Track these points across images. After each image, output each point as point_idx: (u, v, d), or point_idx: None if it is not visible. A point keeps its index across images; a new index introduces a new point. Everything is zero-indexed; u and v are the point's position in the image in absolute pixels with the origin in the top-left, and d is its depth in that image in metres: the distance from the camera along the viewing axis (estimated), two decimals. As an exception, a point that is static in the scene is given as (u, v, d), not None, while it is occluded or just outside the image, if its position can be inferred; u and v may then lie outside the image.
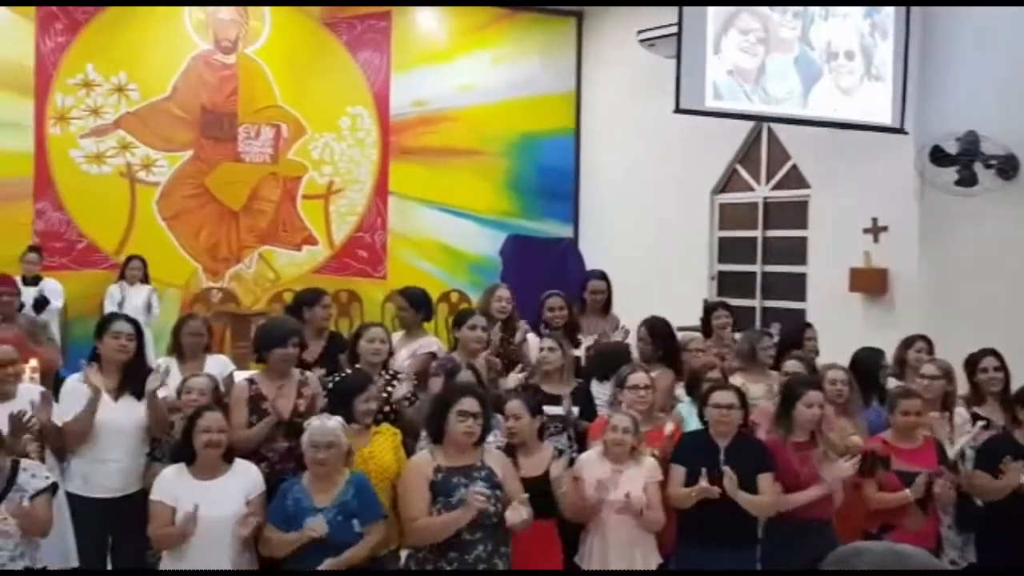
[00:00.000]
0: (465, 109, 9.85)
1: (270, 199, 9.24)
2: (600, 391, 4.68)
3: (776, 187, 8.34)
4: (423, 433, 4.01)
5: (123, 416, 4.10)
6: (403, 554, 4.11)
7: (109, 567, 4.21)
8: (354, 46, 9.50)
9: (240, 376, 4.51)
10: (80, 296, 8.13)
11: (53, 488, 3.65)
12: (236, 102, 9.06)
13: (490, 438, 3.86)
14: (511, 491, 3.66)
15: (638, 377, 4.31)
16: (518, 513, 3.53)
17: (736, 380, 4.72)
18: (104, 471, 4.06)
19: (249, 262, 9.18)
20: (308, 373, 4.34)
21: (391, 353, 4.63)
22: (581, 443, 4.38)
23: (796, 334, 5.60)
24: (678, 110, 6.52)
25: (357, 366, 4.43)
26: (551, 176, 10.14)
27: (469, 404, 3.64)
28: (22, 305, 5.83)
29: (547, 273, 7.21)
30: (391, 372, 4.54)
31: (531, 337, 5.08)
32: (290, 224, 9.33)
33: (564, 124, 10.24)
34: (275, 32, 9.18)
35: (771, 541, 4.10)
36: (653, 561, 3.97)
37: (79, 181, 8.56)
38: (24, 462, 3.67)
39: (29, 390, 4.09)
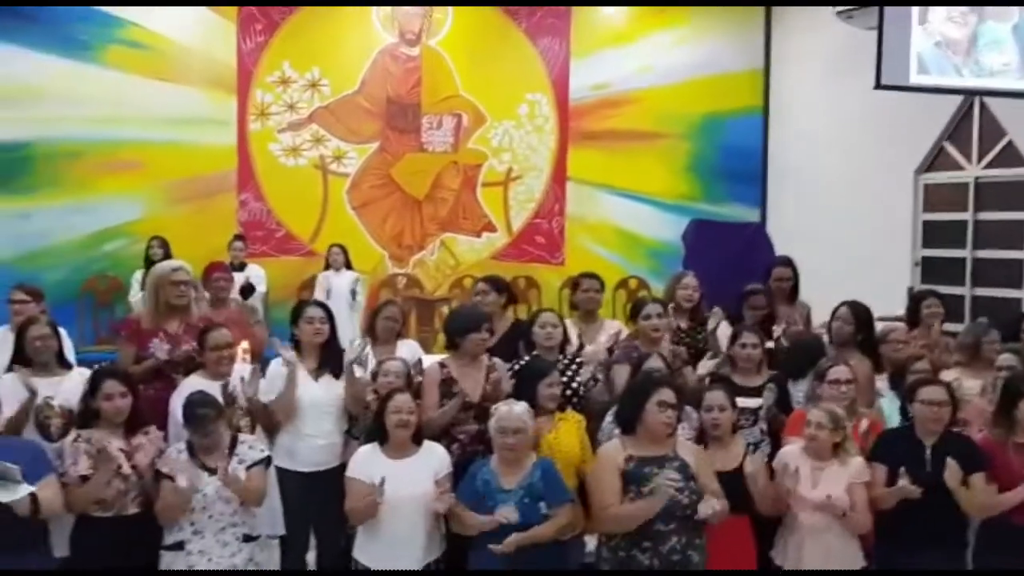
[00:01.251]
0: (645, 91, 9.79)
1: (451, 187, 9.59)
2: (795, 386, 4.55)
3: (989, 166, 7.74)
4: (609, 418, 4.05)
5: (322, 394, 4.42)
6: (588, 540, 4.21)
7: (312, 538, 4.55)
8: (533, 33, 9.65)
9: (430, 360, 4.74)
10: (279, 282, 8.77)
11: (267, 461, 4.01)
12: (419, 93, 9.46)
13: (679, 430, 3.85)
14: (705, 484, 3.64)
15: (839, 371, 4.15)
16: (710, 505, 3.52)
17: (950, 375, 4.46)
18: (307, 446, 4.39)
19: (431, 249, 9.58)
20: (496, 359, 4.49)
21: (566, 338, 4.71)
22: (774, 438, 4.28)
23: (1012, 325, 5.20)
24: (879, 86, 6.18)
25: (535, 352, 4.55)
26: (736, 157, 9.89)
27: (667, 395, 3.65)
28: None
29: (733, 259, 7.01)
30: (569, 356, 4.62)
31: (722, 325, 5.00)
32: (470, 211, 9.64)
33: (750, 103, 9.95)
34: (457, 22, 9.50)
35: (985, 545, 3.87)
36: (854, 561, 3.83)
37: (277, 173, 9.23)
38: (242, 435, 4.05)
39: (242, 369, 4.48)
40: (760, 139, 9.97)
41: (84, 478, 3.64)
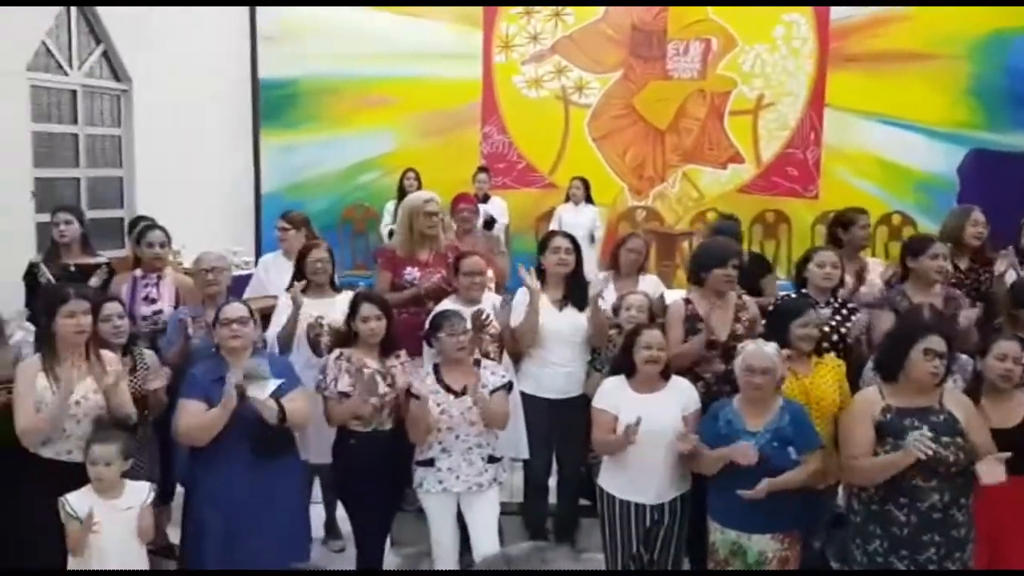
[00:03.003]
0: (919, 9, 8.86)
1: (696, 116, 9.28)
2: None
3: None
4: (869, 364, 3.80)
5: (566, 324, 4.49)
6: (840, 492, 4.02)
7: (554, 463, 4.69)
8: (792, -52, 9.02)
9: (675, 295, 4.66)
10: (519, 214, 8.98)
11: (508, 386, 4.15)
12: (665, 18, 9.17)
13: (949, 382, 3.54)
14: (977, 441, 3.34)
15: None
16: (992, 469, 3.22)
17: None
18: (550, 374, 4.50)
19: (673, 181, 9.37)
20: (746, 297, 4.33)
21: (842, 281, 4.44)
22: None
23: None
24: None
25: (803, 290, 4.33)
26: (1025, 81, 8.77)
27: (936, 343, 3.37)
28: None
29: (1020, 194, 6.29)
30: (840, 301, 4.36)
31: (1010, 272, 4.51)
32: (716, 142, 9.30)
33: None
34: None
35: None
36: None
37: (519, 105, 9.38)
38: (485, 361, 4.21)
39: (491, 297, 4.65)
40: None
41: (344, 394, 3.95)
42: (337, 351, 4.07)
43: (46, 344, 3.70)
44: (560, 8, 9.24)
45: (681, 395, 3.88)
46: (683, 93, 9.27)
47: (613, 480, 3.90)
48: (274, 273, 5.38)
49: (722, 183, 9.34)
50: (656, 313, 4.49)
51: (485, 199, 8.07)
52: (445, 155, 9.14)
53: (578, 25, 9.26)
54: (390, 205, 8.51)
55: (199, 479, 3.78)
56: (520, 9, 9.29)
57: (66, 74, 7.14)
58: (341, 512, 4.55)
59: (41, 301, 3.94)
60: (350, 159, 9.49)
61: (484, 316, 4.34)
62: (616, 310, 4.51)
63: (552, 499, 4.80)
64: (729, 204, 8.73)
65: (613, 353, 4.33)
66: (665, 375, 3.89)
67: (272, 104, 9.44)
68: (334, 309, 4.52)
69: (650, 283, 4.99)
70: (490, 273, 4.96)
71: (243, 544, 3.66)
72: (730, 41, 9.16)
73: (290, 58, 9.32)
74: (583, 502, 4.69)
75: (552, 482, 4.78)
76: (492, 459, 4.07)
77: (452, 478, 3.99)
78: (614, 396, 3.87)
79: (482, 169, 8.59)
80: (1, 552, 3.68)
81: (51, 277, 4.93)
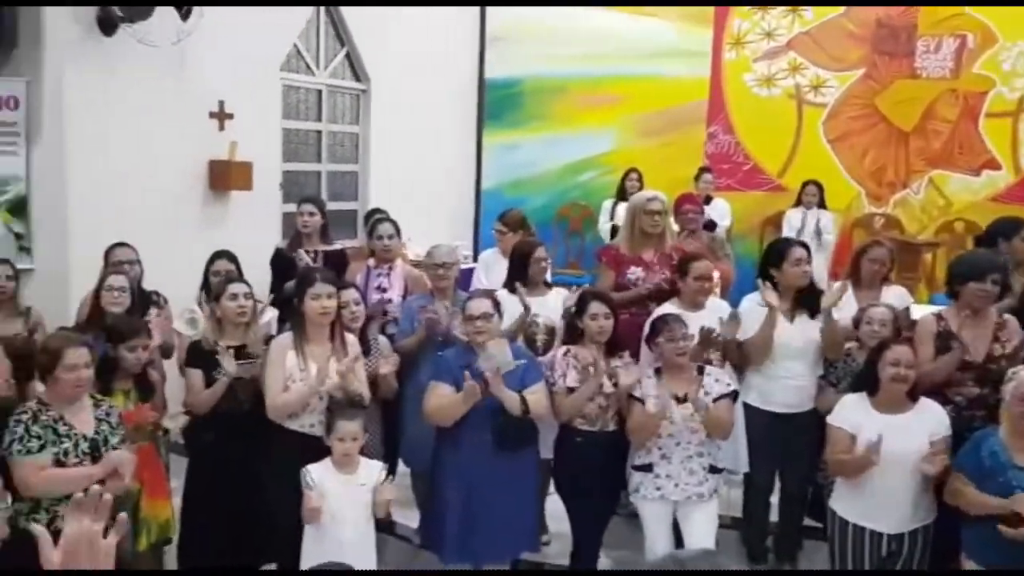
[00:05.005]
0: None
1: (946, 118, 8.62)
2: None
3: None
4: None
5: (798, 336, 4.33)
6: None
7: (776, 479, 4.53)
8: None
9: (922, 310, 4.37)
10: (743, 217, 8.74)
11: (734, 395, 4.05)
12: (916, 13, 8.58)
13: None
14: None
15: None
16: None
17: None
18: (779, 387, 4.35)
19: (917, 187, 8.76)
20: (1007, 316, 3.98)
21: None
22: None
23: None
24: None
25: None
26: None
27: None
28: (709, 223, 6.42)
29: None
30: None
31: None
32: (968, 146, 8.59)
33: None
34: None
35: None
36: None
37: (749, 104, 9.11)
38: (709, 368, 4.13)
39: (715, 303, 4.56)
40: None
41: (570, 390, 4.00)
42: (564, 348, 4.14)
43: (296, 324, 4.01)
44: (798, 4, 8.88)
45: (930, 418, 3.63)
46: (932, 93, 8.63)
47: (847, 504, 3.71)
48: (493, 270, 5.56)
49: (973, 190, 8.62)
50: (901, 327, 4.22)
51: (707, 200, 7.91)
52: (666, 155, 9.05)
53: (817, 21, 8.87)
54: (607, 204, 8.56)
55: (443, 459, 3.97)
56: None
57: (313, 74, 7.72)
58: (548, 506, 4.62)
59: (296, 283, 4.27)
60: (569, 158, 9.62)
61: (714, 335, 4.24)
62: (856, 323, 4.28)
63: (773, 517, 4.64)
64: (980, 214, 8.06)
65: (852, 368, 4.12)
66: (912, 395, 3.65)
67: (496, 103, 9.74)
68: (546, 306, 4.60)
69: (895, 295, 4.69)
70: (715, 276, 4.87)
71: (479, 527, 3.82)
72: (989, 37, 8.42)
73: (516, 58, 9.58)
74: (808, 523, 4.49)
75: (773, 499, 4.62)
76: (714, 469, 4.00)
77: (670, 485, 3.95)
78: (854, 414, 3.67)
79: (706, 169, 8.44)
80: (244, 512, 4.03)
81: (309, 260, 5.34)
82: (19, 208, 5.66)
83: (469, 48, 9.58)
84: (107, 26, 5.61)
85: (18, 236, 5.67)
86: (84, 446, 3.33)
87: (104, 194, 5.72)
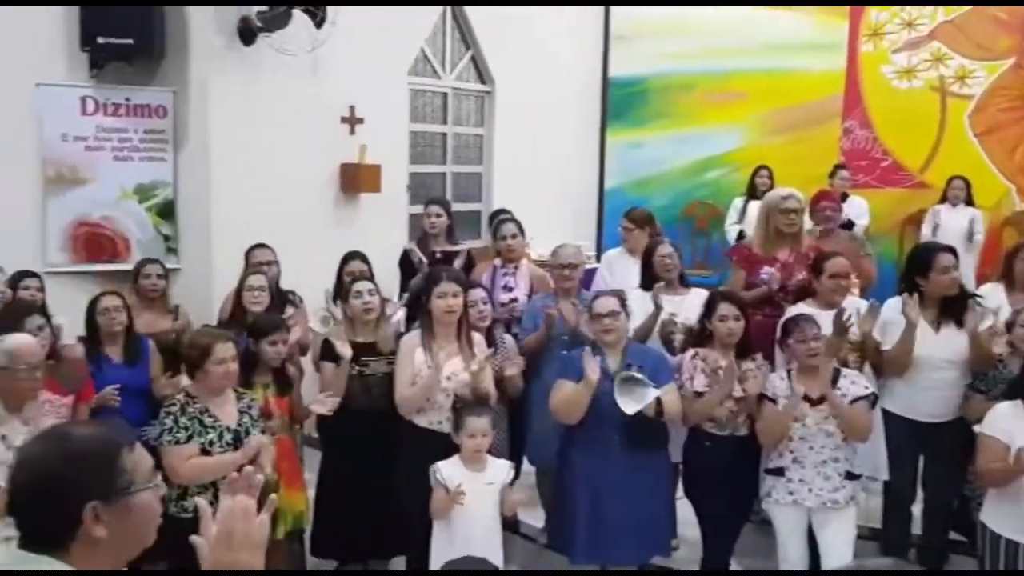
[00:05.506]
0: None
1: (1107, 108, 8.04)
2: None
3: None
4: None
5: (944, 347, 4.14)
6: None
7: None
8: None
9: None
10: (881, 215, 8.38)
11: (872, 399, 3.89)
12: (1075, -5, 8.04)
13: None
14: None
15: None
16: None
17: None
18: (924, 397, 4.16)
19: (1073, 183, 8.22)
20: None
21: None
22: None
23: None
24: None
25: None
26: None
27: None
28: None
29: None
30: None
31: None
32: None
33: None
34: None
35: None
36: None
37: (887, 97, 8.73)
38: (845, 370, 3.98)
39: (854, 302, 4.39)
40: None
41: (699, 393, 3.94)
42: (692, 350, 4.08)
43: (424, 322, 4.09)
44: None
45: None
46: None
47: (1001, 516, 3.50)
48: (618, 269, 5.53)
49: None
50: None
51: (843, 198, 7.63)
52: (798, 152, 8.77)
53: (962, 8, 8.41)
54: (737, 202, 8.38)
55: (571, 459, 3.96)
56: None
57: (439, 78, 7.87)
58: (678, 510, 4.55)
59: (422, 282, 4.37)
60: (695, 156, 9.45)
61: (846, 317, 4.09)
62: (1010, 326, 4.05)
63: (915, 529, 4.43)
64: None
65: (1004, 374, 3.90)
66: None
67: (620, 102, 9.67)
68: (684, 306, 4.54)
69: (1050, 297, 4.40)
70: (853, 277, 4.70)
71: (608, 528, 3.80)
72: None
73: (641, 56, 9.49)
74: (953, 536, 4.27)
75: (916, 510, 4.42)
76: (850, 475, 3.87)
77: (804, 491, 3.84)
78: (1008, 422, 3.46)
79: (841, 166, 8.15)
80: (375, 506, 4.14)
81: (422, 257, 5.46)
82: (167, 211, 6.01)
83: (592, 47, 9.56)
84: (247, 36, 5.88)
85: (166, 238, 6.02)
86: (227, 437, 3.51)
87: (244, 197, 6.00)
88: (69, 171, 5.74)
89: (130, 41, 5.56)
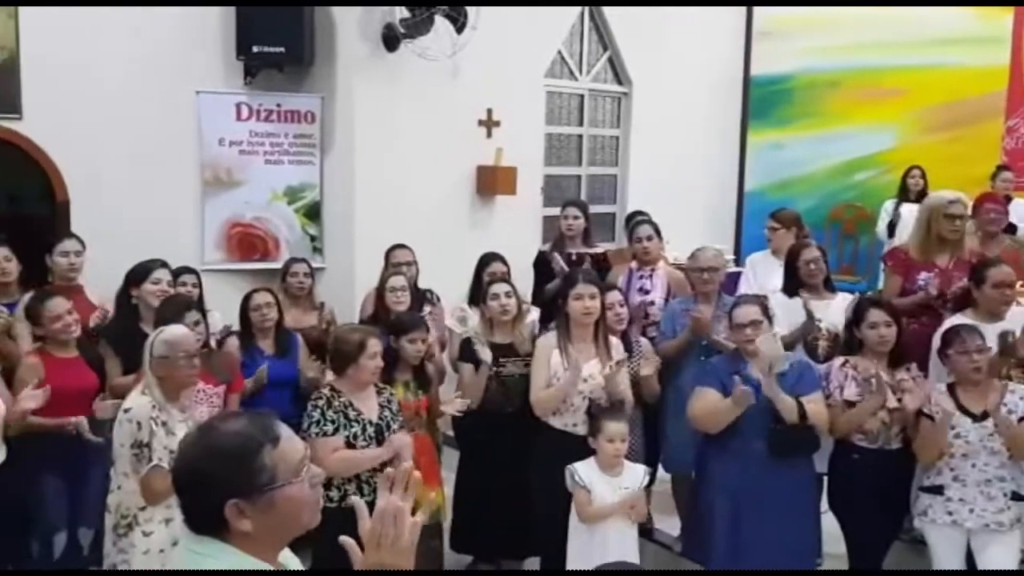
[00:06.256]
0: None
1: None
2: None
3: None
4: None
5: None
6: None
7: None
8: None
9: None
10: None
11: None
12: None
13: None
14: None
15: None
16: None
17: None
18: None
19: None
20: None
21: None
22: None
23: None
24: None
25: None
26: None
27: None
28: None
29: None
30: None
31: None
32: None
33: None
34: None
35: None
36: None
37: (1057, 93, 8.17)
38: (1013, 385, 3.74)
39: (1019, 312, 4.12)
40: None
41: (849, 403, 3.78)
42: (842, 358, 3.92)
43: (560, 323, 4.10)
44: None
45: None
46: None
47: None
48: (762, 272, 5.38)
49: None
50: None
51: (1008, 200, 7.17)
52: (955, 152, 8.29)
53: None
54: (888, 204, 8.02)
55: (711, 468, 3.90)
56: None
57: (576, 80, 7.88)
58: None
59: (560, 283, 4.38)
60: (843, 156, 9.07)
61: (1010, 337, 3.85)
62: None
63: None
64: None
65: None
66: None
67: (762, 101, 9.41)
68: (830, 311, 4.38)
69: None
70: (1019, 285, 4.41)
71: (749, 536, 3.71)
72: None
73: (784, 53, 9.21)
74: None
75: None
76: (1017, 496, 3.62)
77: (964, 511, 3.63)
78: None
79: (1004, 167, 7.66)
80: (511, 505, 4.17)
81: (563, 265, 5.47)
82: (314, 212, 6.27)
83: (733, 45, 9.33)
84: (391, 42, 6.06)
85: (312, 238, 6.27)
86: (370, 430, 3.61)
87: (385, 199, 6.19)
88: (225, 174, 6.08)
89: (282, 49, 5.84)
